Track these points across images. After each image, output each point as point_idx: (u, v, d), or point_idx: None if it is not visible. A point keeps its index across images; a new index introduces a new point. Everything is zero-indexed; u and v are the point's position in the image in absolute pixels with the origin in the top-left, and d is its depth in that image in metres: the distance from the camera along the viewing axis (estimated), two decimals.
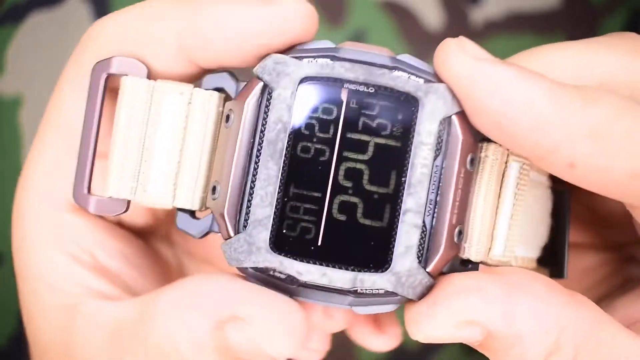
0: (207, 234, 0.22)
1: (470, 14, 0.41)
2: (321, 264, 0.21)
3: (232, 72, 0.23)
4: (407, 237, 0.21)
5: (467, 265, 0.22)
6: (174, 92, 0.22)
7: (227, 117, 0.22)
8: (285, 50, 0.22)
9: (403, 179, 0.21)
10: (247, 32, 0.22)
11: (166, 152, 0.22)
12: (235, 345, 0.21)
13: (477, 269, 0.22)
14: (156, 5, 0.23)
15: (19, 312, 0.44)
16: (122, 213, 0.23)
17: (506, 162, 0.22)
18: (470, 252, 0.22)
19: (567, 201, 0.24)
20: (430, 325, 0.22)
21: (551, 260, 0.25)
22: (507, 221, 0.22)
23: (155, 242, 0.27)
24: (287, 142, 0.21)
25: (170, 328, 0.21)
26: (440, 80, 0.21)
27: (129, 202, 0.23)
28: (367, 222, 0.21)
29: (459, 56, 0.22)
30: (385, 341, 0.25)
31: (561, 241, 0.25)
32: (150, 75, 0.23)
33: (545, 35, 0.41)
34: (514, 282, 0.22)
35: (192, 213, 0.22)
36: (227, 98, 0.23)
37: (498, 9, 0.41)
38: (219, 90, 0.23)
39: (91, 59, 0.24)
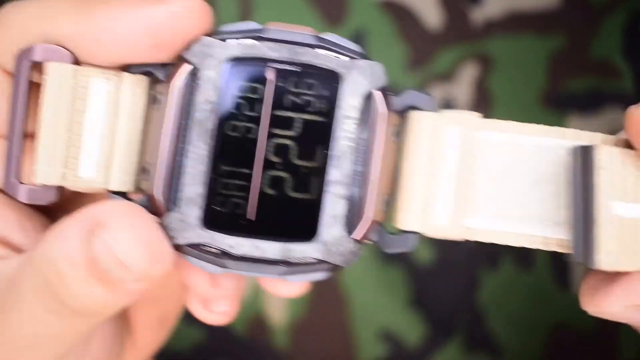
0: None
1: (470, 14, 0.41)
2: (252, 237, 0.21)
3: None
4: (332, 207, 0.21)
5: (403, 234, 0.22)
6: (100, 76, 0.22)
7: (155, 98, 0.22)
8: (211, 33, 0.22)
9: (329, 152, 0.21)
10: (139, 32, 0.22)
11: (96, 136, 0.22)
12: (99, 257, 0.21)
13: (412, 239, 0.23)
14: (51, 5, 0.23)
15: None
16: (54, 200, 0.23)
17: (438, 129, 0.22)
18: (399, 220, 0.22)
19: (588, 160, 0.20)
20: (605, 301, 0.22)
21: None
22: (448, 189, 0.21)
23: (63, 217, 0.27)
24: (216, 122, 0.21)
25: (47, 245, 0.22)
26: (365, 58, 0.22)
27: (60, 188, 0.23)
28: (297, 195, 0.21)
29: None
30: (291, 288, 0.27)
31: (585, 215, 0.20)
32: (76, 61, 0.23)
33: (545, 36, 0.41)
34: None
35: (124, 195, 0.23)
36: (156, 80, 0.23)
37: (498, 9, 0.41)
38: (147, 74, 0.23)
39: None
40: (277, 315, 0.41)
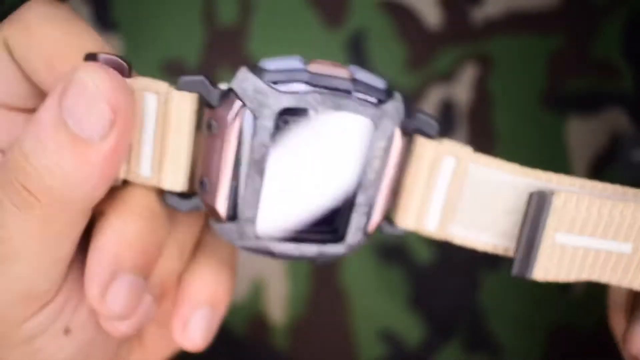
0: (193, 209, 0.26)
1: (470, 14, 0.41)
2: (296, 243, 0.26)
3: (209, 77, 0.25)
4: (358, 221, 0.26)
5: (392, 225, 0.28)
6: (151, 90, 0.24)
7: (209, 125, 0.25)
8: (254, 67, 0.25)
9: (359, 182, 0.26)
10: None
11: (150, 143, 0.25)
12: (66, 119, 0.22)
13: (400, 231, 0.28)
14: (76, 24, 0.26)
15: None
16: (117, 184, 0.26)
17: (437, 158, 0.27)
18: (399, 219, 0.28)
19: (544, 204, 0.26)
20: None
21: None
22: (439, 203, 0.27)
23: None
24: (267, 158, 0.25)
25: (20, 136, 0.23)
26: (390, 95, 0.26)
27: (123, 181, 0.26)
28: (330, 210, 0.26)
29: None
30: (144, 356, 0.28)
31: (528, 238, 0.26)
32: (130, 74, 0.25)
33: (545, 35, 0.41)
34: None
35: (178, 194, 0.26)
36: (202, 98, 0.25)
37: (498, 9, 0.41)
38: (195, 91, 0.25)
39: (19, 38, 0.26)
40: (277, 315, 0.41)
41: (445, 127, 0.41)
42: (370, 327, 0.41)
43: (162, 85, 0.24)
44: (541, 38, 0.41)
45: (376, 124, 0.25)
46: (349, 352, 0.41)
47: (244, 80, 0.24)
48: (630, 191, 0.26)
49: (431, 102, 0.41)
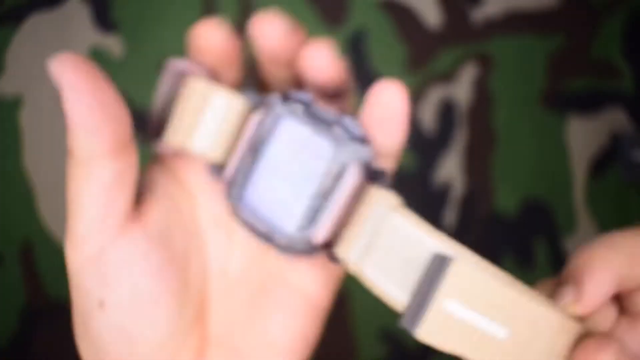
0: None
1: (470, 14, 0.41)
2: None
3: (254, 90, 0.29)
4: (302, 212, 0.29)
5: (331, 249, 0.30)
6: (220, 94, 0.29)
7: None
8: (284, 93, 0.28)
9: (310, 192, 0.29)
10: None
11: (207, 130, 0.30)
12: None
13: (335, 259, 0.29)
14: None
15: (19, 312, 0.44)
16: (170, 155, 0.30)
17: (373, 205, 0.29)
18: (337, 246, 0.30)
19: (442, 267, 0.26)
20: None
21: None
22: (362, 244, 0.28)
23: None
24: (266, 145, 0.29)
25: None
26: (361, 143, 0.29)
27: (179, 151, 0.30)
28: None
29: None
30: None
31: (421, 296, 0.27)
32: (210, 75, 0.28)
33: (545, 35, 0.41)
34: None
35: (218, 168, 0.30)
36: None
37: (498, 9, 0.41)
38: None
39: None
40: None
41: (445, 127, 0.41)
42: (370, 327, 0.41)
43: (231, 93, 0.29)
44: (541, 38, 0.40)
45: (334, 149, 0.29)
46: (349, 352, 0.41)
47: (272, 99, 0.29)
48: (519, 284, 0.27)
49: (431, 102, 0.41)
